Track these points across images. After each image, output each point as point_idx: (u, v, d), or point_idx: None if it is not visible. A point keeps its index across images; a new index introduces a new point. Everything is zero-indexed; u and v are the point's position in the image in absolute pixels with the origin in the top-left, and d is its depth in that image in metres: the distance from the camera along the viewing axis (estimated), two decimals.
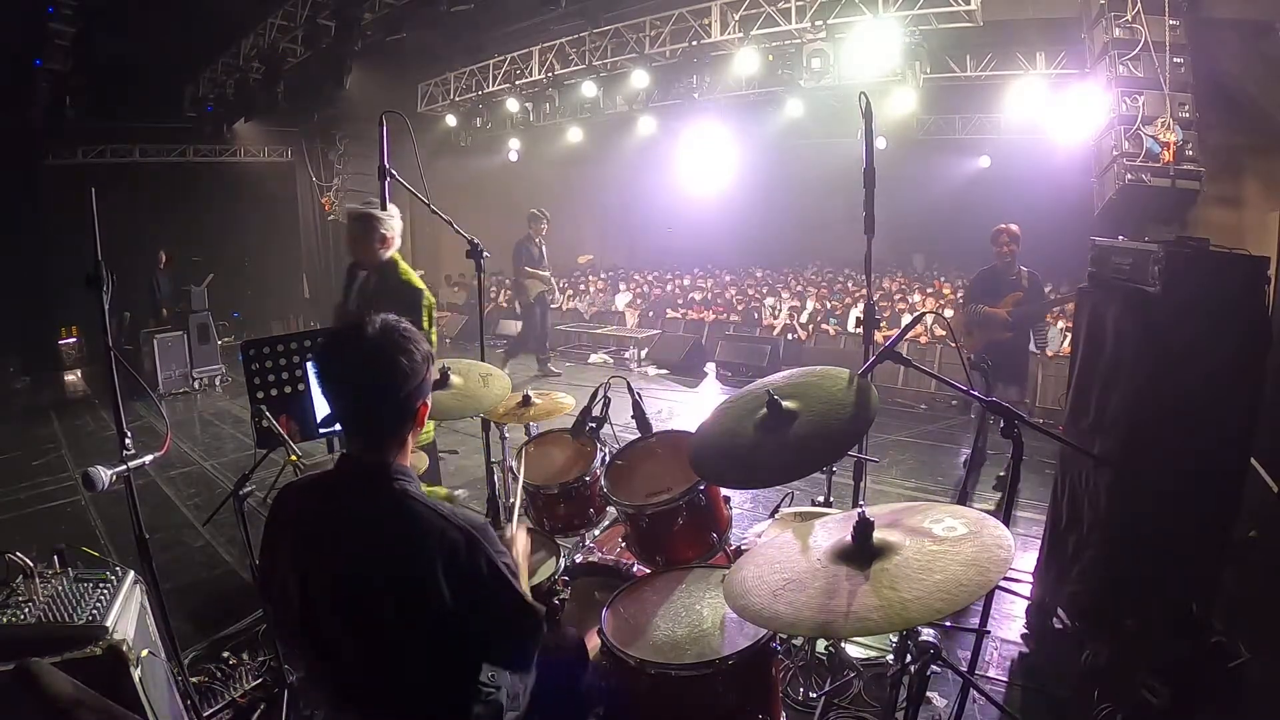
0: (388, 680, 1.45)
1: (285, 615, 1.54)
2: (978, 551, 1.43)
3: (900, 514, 1.63)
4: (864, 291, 3.51)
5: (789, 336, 9.92)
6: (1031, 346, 5.88)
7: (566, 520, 2.82)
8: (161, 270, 10.35)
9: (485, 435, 3.31)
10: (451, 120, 11.62)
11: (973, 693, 2.36)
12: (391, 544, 1.41)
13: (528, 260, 8.37)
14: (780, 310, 10.88)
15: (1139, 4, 5.64)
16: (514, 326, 11.93)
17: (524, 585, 1.58)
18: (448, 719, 1.52)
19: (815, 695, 2.56)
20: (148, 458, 2.21)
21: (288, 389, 2.72)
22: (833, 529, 1.66)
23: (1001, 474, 4.80)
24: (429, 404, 1.56)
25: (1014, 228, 4.93)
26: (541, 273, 8.43)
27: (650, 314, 12.20)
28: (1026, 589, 3.26)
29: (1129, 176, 5.64)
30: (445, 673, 1.49)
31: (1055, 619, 3.05)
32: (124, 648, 1.81)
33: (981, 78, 8.34)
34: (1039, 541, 3.32)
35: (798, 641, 2.66)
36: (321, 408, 2.56)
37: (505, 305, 13.26)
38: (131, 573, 2.09)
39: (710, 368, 9.17)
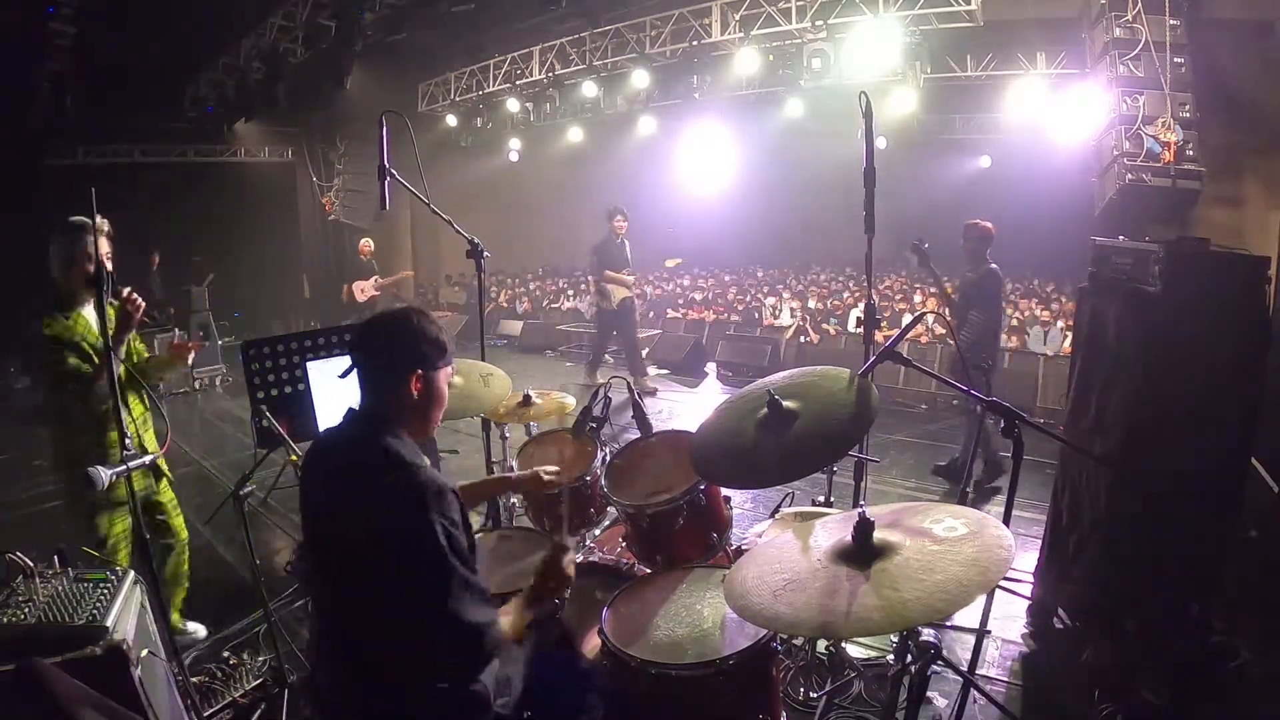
0: (379, 636, 1.53)
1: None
2: (978, 551, 1.43)
3: (900, 514, 1.63)
4: (864, 291, 3.50)
5: (802, 340, 9.85)
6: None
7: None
8: (153, 273, 10.33)
9: (485, 435, 3.31)
10: (452, 120, 11.62)
11: (973, 693, 2.36)
12: (365, 481, 1.55)
13: (611, 263, 7.54)
14: (781, 310, 10.85)
15: (1139, 4, 5.65)
16: (515, 326, 11.93)
17: (473, 578, 1.56)
18: (430, 698, 1.54)
19: (816, 695, 2.56)
20: (148, 458, 2.20)
21: (288, 389, 2.72)
22: (833, 529, 1.66)
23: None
24: (430, 383, 1.67)
25: (981, 223, 4.71)
26: (626, 277, 7.63)
27: (650, 314, 12.20)
28: (1027, 589, 3.26)
29: (1129, 176, 5.64)
30: (423, 641, 1.53)
31: (1055, 619, 3.05)
32: (124, 648, 1.80)
33: (981, 78, 8.34)
34: (1039, 541, 3.32)
35: (798, 641, 2.66)
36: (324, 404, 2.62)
37: (505, 305, 13.27)
38: (131, 573, 2.08)
39: (710, 368, 9.16)
